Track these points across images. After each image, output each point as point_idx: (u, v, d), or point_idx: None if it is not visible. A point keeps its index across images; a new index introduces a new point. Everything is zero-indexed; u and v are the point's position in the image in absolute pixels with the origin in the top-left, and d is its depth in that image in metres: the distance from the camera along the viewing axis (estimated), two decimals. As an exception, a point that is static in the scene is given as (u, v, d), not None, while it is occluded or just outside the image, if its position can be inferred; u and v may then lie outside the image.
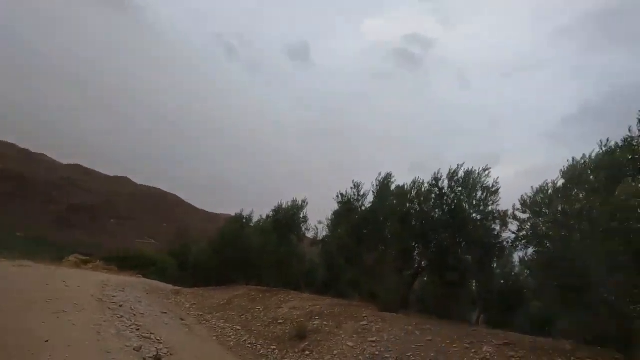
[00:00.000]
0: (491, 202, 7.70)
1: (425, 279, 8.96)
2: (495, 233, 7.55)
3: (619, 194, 3.01)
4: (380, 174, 9.27)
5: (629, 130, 3.90)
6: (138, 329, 6.13)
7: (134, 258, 18.19)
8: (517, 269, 9.44)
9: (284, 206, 12.68)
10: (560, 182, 4.60)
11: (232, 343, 7.07)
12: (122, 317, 6.69)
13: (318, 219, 11.15)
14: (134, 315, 7.06)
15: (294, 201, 12.64)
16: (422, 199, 7.99)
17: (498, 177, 7.67)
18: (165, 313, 8.11)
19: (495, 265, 8.98)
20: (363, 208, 9.86)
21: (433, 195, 8.06)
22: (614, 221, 2.99)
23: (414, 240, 8.27)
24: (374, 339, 6.44)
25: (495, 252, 7.71)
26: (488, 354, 5.43)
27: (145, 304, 8.45)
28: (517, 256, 7.06)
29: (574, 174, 4.42)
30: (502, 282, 10.07)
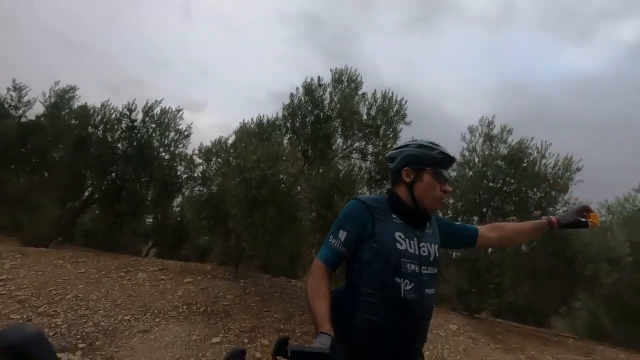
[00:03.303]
0: (181, 145, 8.18)
1: (97, 212, 8.32)
2: (179, 173, 8.14)
3: (252, 154, 4.16)
4: (58, 83, 7.47)
5: (277, 114, 5.59)
6: None
7: None
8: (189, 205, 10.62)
9: None
10: (232, 138, 5.65)
11: None
12: None
13: None
14: None
15: None
16: (108, 126, 7.23)
17: (192, 122, 8.25)
18: None
19: (174, 203, 9.75)
20: (24, 119, 7.64)
21: (123, 126, 7.50)
22: (246, 172, 4.10)
23: (88, 169, 7.40)
24: (4, 277, 5.34)
25: (174, 191, 8.32)
26: (141, 280, 5.88)
27: None
28: (189, 194, 7.93)
29: (242, 133, 5.53)
30: (178, 218, 11.12)
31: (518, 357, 4.72)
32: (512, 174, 5.77)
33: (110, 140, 7.18)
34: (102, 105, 7.63)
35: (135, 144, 7.51)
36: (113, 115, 7.57)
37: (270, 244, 4.85)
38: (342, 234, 1.33)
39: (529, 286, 6.08)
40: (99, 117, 7.45)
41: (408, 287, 1.28)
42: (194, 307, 4.98)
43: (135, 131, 7.42)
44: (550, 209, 5.81)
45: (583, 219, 1.56)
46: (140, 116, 7.58)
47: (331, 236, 1.36)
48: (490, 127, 6.29)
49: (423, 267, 1.33)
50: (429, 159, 1.39)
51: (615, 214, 7.59)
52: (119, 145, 7.41)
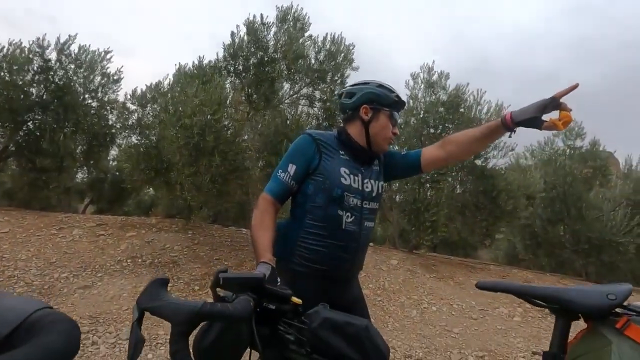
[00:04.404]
0: (111, 91, 7.35)
1: (14, 167, 7.40)
2: (110, 123, 7.39)
3: (194, 98, 3.86)
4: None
5: (217, 55, 5.15)
6: None
7: None
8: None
9: None
10: (167, 82, 5.18)
11: None
12: None
13: None
14: None
15: None
16: (15, 67, 6.18)
17: (122, 66, 7.37)
18: None
19: (109, 156, 8.98)
20: None
21: (35, 67, 6.47)
22: (188, 118, 3.83)
23: (-4, 118, 6.41)
24: None
25: (107, 142, 7.60)
26: (77, 236, 5.51)
27: None
28: (125, 145, 7.33)
29: (180, 76, 5.08)
30: (116, 172, 10.29)
31: (448, 283, 5.35)
32: (450, 119, 6.09)
33: (20, 83, 6.18)
34: (9, 42, 6.44)
35: (51, 87, 6.56)
36: (21, 55, 6.45)
37: (217, 194, 4.74)
38: (292, 168, 1.34)
39: (460, 222, 6.75)
40: (2, 55, 6.29)
41: (349, 220, 1.35)
42: (140, 260, 4.84)
43: (51, 73, 6.46)
44: (482, 152, 6.31)
45: (542, 117, 1.23)
46: (54, 55, 6.57)
47: (280, 170, 1.36)
48: (431, 73, 6.45)
49: (365, 202, 1.40)
50: (388, 100, 1.42)
51: (536, 156, 8.49)
52: (32, 90, 6.44)
